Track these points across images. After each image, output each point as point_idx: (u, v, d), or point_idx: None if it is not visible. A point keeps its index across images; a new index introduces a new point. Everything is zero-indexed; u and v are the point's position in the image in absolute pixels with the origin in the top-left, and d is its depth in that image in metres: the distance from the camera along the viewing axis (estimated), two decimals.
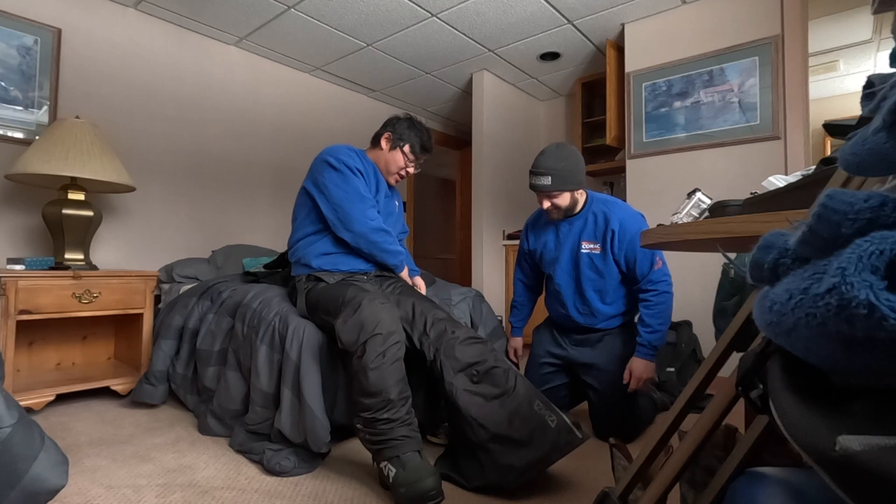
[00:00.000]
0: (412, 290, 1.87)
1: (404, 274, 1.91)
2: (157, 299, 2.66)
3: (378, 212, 1.84)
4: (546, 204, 1.86)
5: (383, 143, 1.89)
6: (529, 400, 1.43)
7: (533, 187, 1.86)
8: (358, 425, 1.40)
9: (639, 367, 1.78)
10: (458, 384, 1.47)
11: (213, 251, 2.98)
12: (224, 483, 1.42)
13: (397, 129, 1.88)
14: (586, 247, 1.88)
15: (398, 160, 1.89)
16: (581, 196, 1.91)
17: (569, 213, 1.91)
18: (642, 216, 1.92)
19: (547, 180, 1.80)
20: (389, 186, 1.98)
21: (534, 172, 1.84)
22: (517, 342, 2.15)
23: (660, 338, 1.79)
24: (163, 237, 2.97)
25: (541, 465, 1.36)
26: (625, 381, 1.80)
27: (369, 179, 1.86)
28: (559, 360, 1.98)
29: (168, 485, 1.41)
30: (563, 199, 1.84)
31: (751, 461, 0.60)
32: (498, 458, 1.37)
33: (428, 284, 2.15)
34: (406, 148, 1.88)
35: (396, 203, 2.03)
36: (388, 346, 1.39)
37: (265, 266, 2.34)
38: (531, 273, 2.14)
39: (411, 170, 1.94)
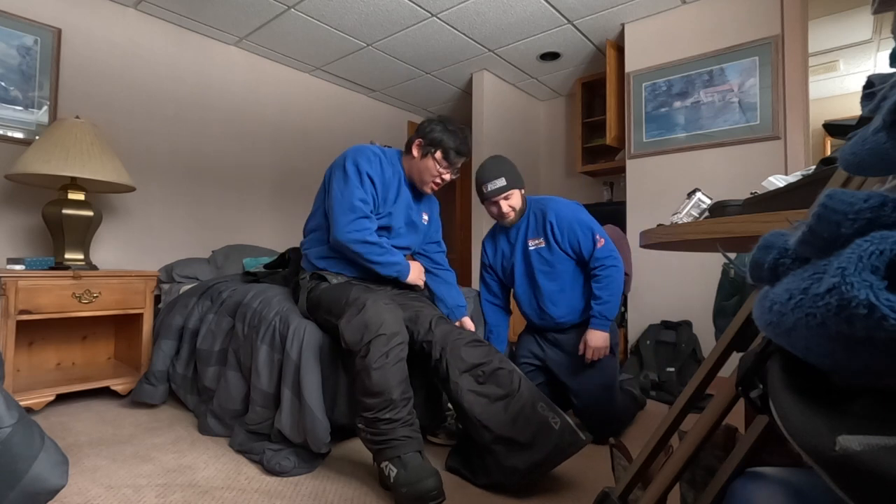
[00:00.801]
0: (415, 293, 1.85)
1: (412, 279, 1.78)
2: (157, 299, 2.66)
3: (382, 221, 1.76)
4: (505, 208, 1.94)
5: (415, 150, 1.78)
6: (533, 401, 1.44)
7: (489, 195, 1.92)
8: (360, 425, 1.40)
9: (593, 338, 1.86)
10: (463, 384, 1.47)
11: (213, 251, 2.98)
12: (224, 483, 1.42)
13: (429, 134, 1.76)
14: (532, 244, 1.99)
15: (430, 168, 1.77)
16: (523, 199, 2.01)
17: (518, 218, 2.00)
18: (577, 204, 2.02)
19: (502, 181, 1.90)
20: (420, 196, 1.88)
21: (485, 182, 1.91)
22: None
23: (611, 309, 1.88)
24: (163, 237, 2.97)
25: (545, 466, 1.36)
26: (580, 353, 1.88)
27: (388, 187, 1.77)
28: (539, 360, 2.04)
29: (168, 485, 1.41)
30: (516, 199, 1.95)
31: (751, 461, 0.60)
32: (502, 459, 1.38)
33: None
34: (438, 154, 1.75)
35: (425, 214, 1.92)
36: (391, 346, 1.39)
37: (265, 266, 2.34)
38: (498, 290, 2.17)
39: (447, 176, 1.81)
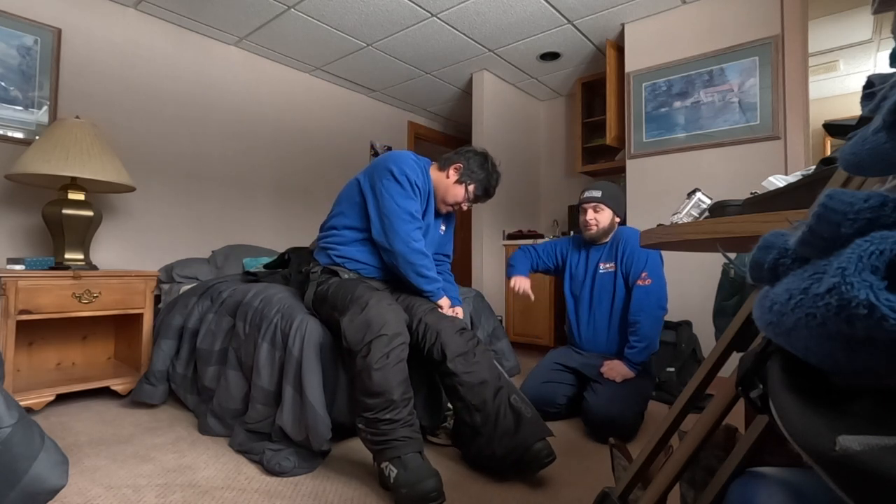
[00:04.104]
0: (421, 299, 1.83)
1: (442, 302, 1.77)
2: (157, 299, 2.66)
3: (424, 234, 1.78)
4: (590, 214, 2.07)
5: (451, 171, 1.81)
6: (510, 391, 1.52)
7: (582, 200, 2.10)
8: (360, 425, 1.40)
9: (616, 366, 1.94)
10: (458, 367, 1.51)
11: (213, 251, 2.99)
12: (224, 483, 1.42)
13: (470, 163, 1.80)
14: (603, 267, 2.11)
15: (458, 194, 1.81)
16: (614, 228, 2.12)
17: (601, 238, 2.11)
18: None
19: (598, 192, 2.06)
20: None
21: (586, 189, 2.11)
22: (523, 280, 2.18)
23: (639, 355, 1.94)
24: (163, 237, 2.97)
25: (516, 451, 1.42)
26: (601, 370, 1.95)
27: (423, 198, 1.78)
28: (568, 368, 2.08)
29: (168, 485, 1.41)
30: (605, 216, 2.07)
31: (751, 461, 0.60)
32: (485, 443, 1.46)
33: None
34: (471, 187, 1.81)
35: (443, 226, 1.94)
36: (392, 346, 1.40)
37: (265, 266, 2.34)
38: (539, 265, 2.27)
39: (465, 207, 1.87)
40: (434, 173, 1.84)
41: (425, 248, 1.71)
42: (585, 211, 2.09)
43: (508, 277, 2.23)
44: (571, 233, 3.42)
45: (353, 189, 1.80)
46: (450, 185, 1.81)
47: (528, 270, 2.25)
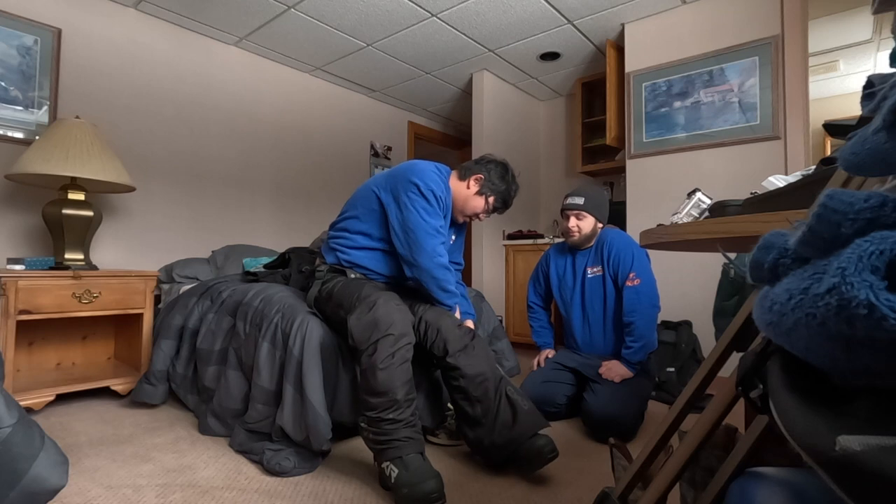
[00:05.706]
0: (426, 301, 1.83)
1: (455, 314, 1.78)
2: (157, 299, 2.66)
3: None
4: (572, 222, 2.08)
5: (472, 182, 1.79)
6: (507, 384, 1.55)
7: (565, 206, 2.10)
8: (362, 424, 1.41)
9: (614, 366, 1.95)
10: (461, 361, 1.54)
11: (213, 251, 2.99)
12: (224, 483, 1.42)
13: (491, 174, 1.79)
14: (591, 272, 2.09)
15: (478, 206, 1.80)
16: (596, 234, 2.13)
17: (585, 244, 2.12)
18: (633, 240, 2.11)
19: (580, 200, 2.05)
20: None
21: (569, 196, 2.10)
22: (550, 351, 2.24)
23: (636, 354, 1.94)
24: (163, 237, 2.97)
25: (514, 443, 1.45)
26: (599, 371, 1.96)
27: (445, 209, 1.77)
28: (568, 368, 2.09)
29: (168, 485, 1.41)
30: (587, 223, 2.07)
31: (751, 461, 0.60)
32: (485, 434, 1.49)
33: None
34: (491, 199, 1.80)
35: (453, 235, 1.94)
36: (398, 347, 1.40)
37: (265, 266, 2.34)
38: (545, 293, 2.30)
39: (482, 218, 1.87)
40: (453, 182, 1.82)
41: (448, 264, 1.71)
42: (568, 218, 2.09)
43: (538, 347, 2.28)
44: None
45: (370, 197, 1.76)
46: (470, 195, 1.80)
47: (552, 337, 2.30)
